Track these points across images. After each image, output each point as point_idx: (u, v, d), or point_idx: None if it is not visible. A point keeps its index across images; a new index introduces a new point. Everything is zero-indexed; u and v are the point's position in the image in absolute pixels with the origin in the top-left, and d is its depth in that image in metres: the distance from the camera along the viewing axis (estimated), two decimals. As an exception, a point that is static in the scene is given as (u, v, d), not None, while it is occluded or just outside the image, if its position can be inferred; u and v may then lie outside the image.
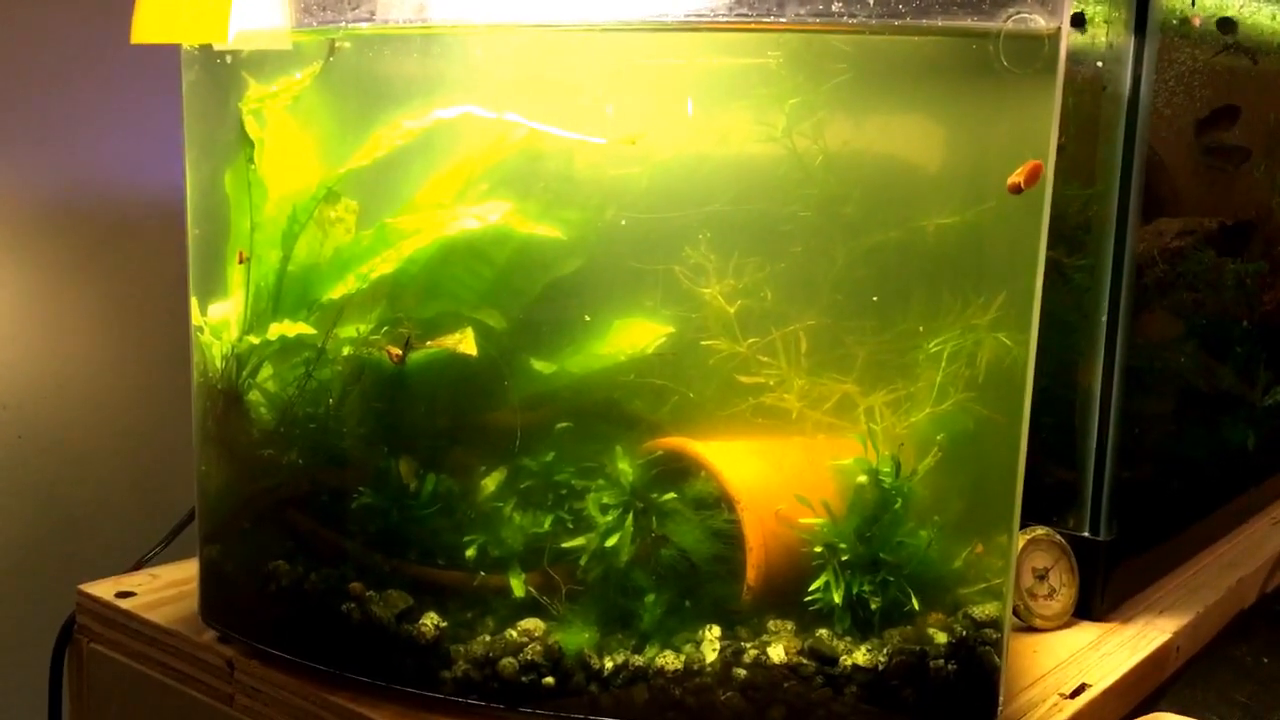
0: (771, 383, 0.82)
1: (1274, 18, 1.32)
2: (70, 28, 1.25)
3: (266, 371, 0.89)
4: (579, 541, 0.83)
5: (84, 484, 1.32)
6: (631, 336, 0.83)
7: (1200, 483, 1.33)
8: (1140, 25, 1.01)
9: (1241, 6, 1.25)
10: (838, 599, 0.82)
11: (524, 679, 0.82)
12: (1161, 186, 1.15)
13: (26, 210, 1.24)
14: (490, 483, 0.85)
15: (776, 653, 0.81)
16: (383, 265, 0.84)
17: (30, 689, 1.20)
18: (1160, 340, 1.23)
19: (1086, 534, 1.07)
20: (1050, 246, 1.05)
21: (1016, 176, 0.78)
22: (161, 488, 1.36)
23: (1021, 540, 1.03)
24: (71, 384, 1.30)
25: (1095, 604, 1.07)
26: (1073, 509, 1.08)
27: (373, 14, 0.81)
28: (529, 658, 0.82)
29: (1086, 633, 1.04)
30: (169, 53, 0.92)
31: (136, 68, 1.29)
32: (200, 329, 0.93)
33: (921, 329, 0.82)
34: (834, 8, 0.76)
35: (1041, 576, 1.04)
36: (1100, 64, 1.03)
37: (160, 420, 1.37)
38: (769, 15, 0.76)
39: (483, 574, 0.84)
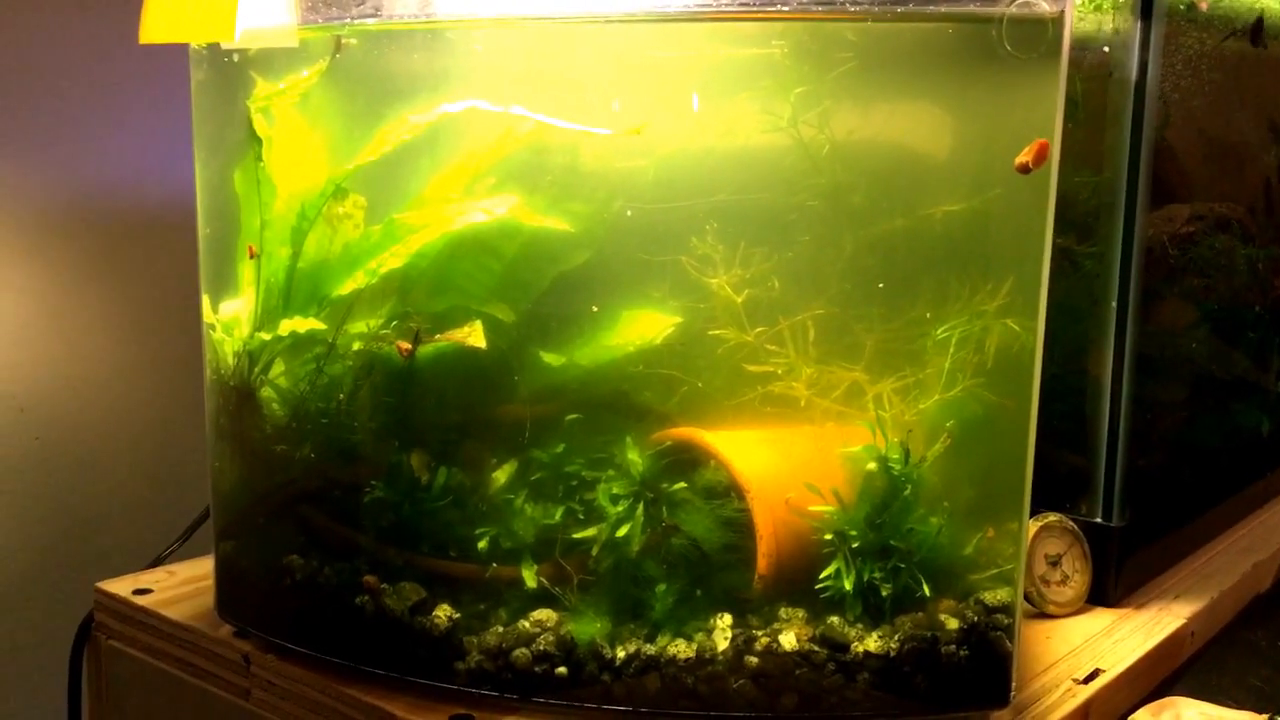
0: (780, 371, 0.83)
1: (1283, 1, 1.31)
2: (80, 30, 1.26)
3: (278, 368, 0.90)
4: (590, 532, 0.83)
5: (101, 483, 1.33)
6: (640, 327, 0.84)
7: (1215, 468, 1.33)
8: (1146, 10, 1.01)
9: (1252, -10, 1.24)
10: (848, 586, 0.82)
11: (537, 669, 0.82)
12: (1171, 173, 1.15)
13: (41, 214, 1.25)
14: (501, 475, 0.85)
15: (788, 640, 0.81)
16: (392, 260, 0.85)
17: (50, 685, 1.22)
18: (1172, 326, 1.23)
19: (1099, 520, 1.07)
20: (1061, 233, 1.05)
21: (1024, 156, 0.78)
22: (178, 485, 1.37)
23: (1034, 527, 1.03)
24: (87, 385, 1.31)
25: (1109, 590, 1.07)
26: (1085, 495, 1.08)
27: (378, 10, 0.82)
28: (542, 648, 0.82)
29: (1100, 619, 1.04)
30: (179, 53, 0.93)
31: (148, 68, 1.30)
32: (212, 326, 0.93)
33: (929, 316, 0.82)
34: (837, -4, 0.77)
35: (1054, 563, 1.04)
36: (1107, 50, 1.03)
37: (176, 418, 1.38)
38: (773, 4, 0.76)
39: (495, 565, 0.85)
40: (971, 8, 0.77)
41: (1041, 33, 0.77)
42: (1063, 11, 0.76)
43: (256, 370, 0.90)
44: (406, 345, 0.84)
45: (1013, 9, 0.76)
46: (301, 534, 0.90)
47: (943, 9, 0.77)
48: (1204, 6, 1.15)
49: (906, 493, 0.82)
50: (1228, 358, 1.36)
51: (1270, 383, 1.43)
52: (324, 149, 0.87)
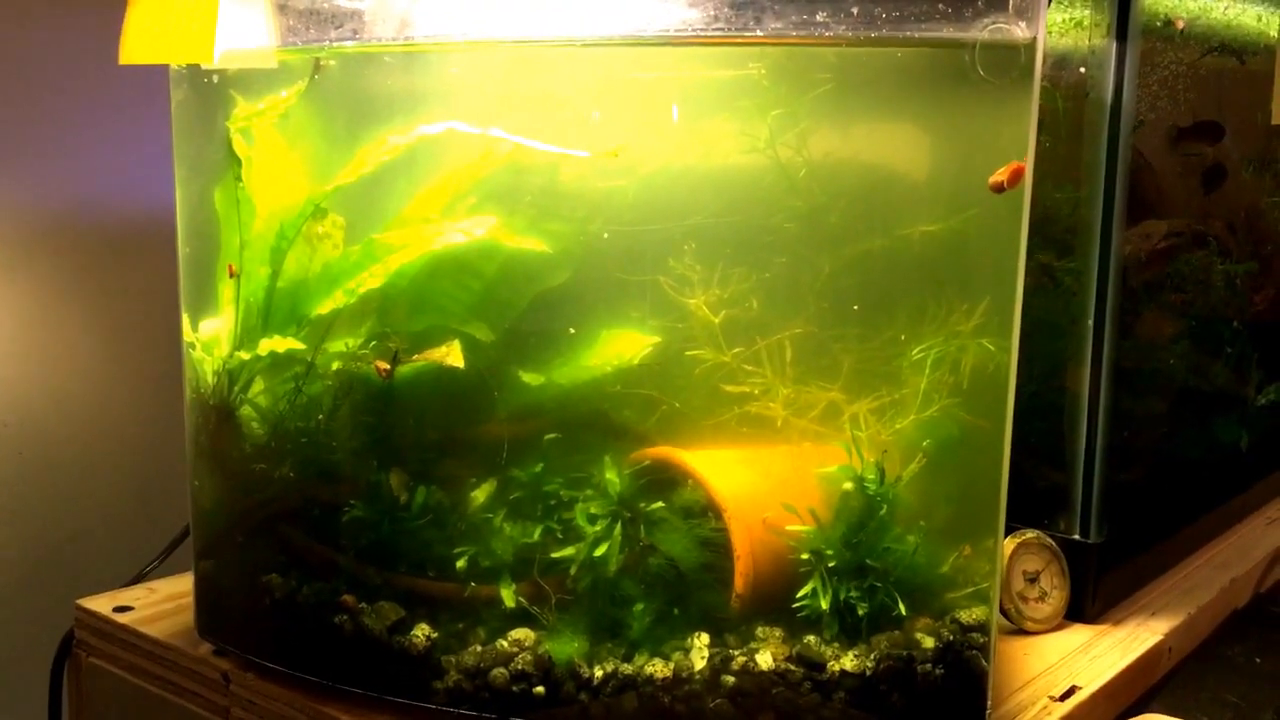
0: (757, 391, 0.83)
1: (1259, 19, 1.32)
2: (63, 46, 1.26)
3: (258, 387, 0.90)
4: (568, 551, 0.83)
5: (84, 499, 1.33)
6: (618, 347, 0.84)
7: (1193, 483, 1.33)
8: (1121, 30, 1.01)
9: (1226, 8, 1.25)
10: (825, 605, 0.82)
11: (515, 689, 0.83)
12: (1148, 189, 1.16)
13: (25, 229, 1.25)
14: (480, 494, 0.85)
15: (765, 659, 0.82)
16: (371, 280, 0.85)
17: (30, 703, 1.21)
18: (1150, 342, 1.24)
19: (1077, 537, 1.08)
20: (1040, 250, 1.06)
21: (999, 175, 0.79)
22: (161, 502, 1.37)
23: (1012, 544, 1.03)
24: (71, 400, 1.31)
25: (1087, 606, 1.07)
26: (1063, 512, 1.09)
27: (356, 32, 0.82)
28: (520, 667, 0.83)
29: (1078, 635, 1.04)
30: (161, 70, 0.93)
31: (130, 85, 1.30)
32: (192, 345, 0.93)
33: (905, 336, 0.83)
34: (814, 18, 0.77)
35: (1032, 579, 1.05)
36: (1083, 69, 1.04)
37: (159, 435, 1.37)
38: (747, 29, 0.77)
39: (473, 585, 0.85)
40: (945, 33, 0.77)
41: (1014, 58, 0.77)
42: (1035, 37, 0.77)
43: (236, 389, 0.91)
44: (385, 365, 0.85)
45: (985, 34, 0.77)
46: (281, 553, 0.91)
47: (917, 34, 0.78)
48: (1180, 26, 1.16)
49: (882, 512, 0.83)
50: (1206, 372, 1.37)
51: (1249, 396, 1.44)
52: (303, 169, 0.88)
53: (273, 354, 0.87)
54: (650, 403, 0.84)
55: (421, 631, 0.85)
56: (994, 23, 0.77)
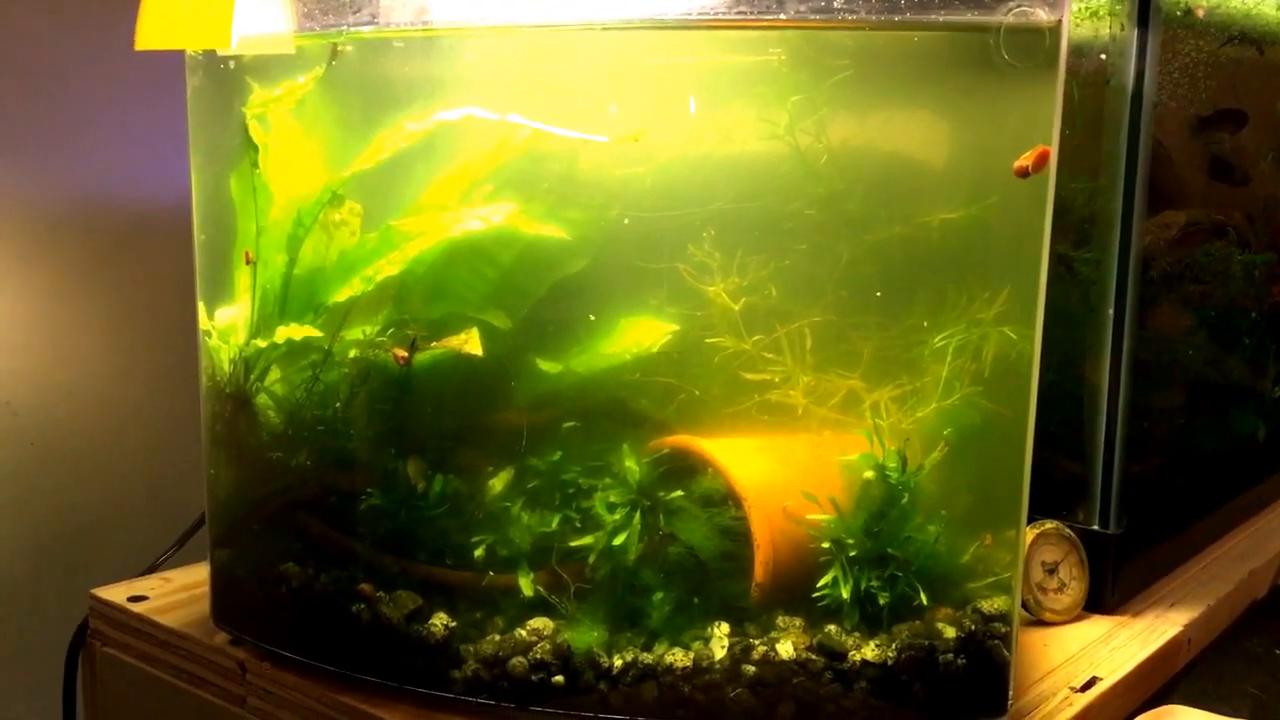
0: (777, 379, 0.82)
1: (1279, 8, 1.31)
2: (76, 34, 1.25)
3: (274, 375, 0.90)
4: (587, 540, 0.83)
5: (96, 489, 1.33)
6: (637, 335, 0.83)
7: (1211, 475, 1.33)
8: (1143, 17, 1.01)
9: (1246, -4, 1.24)
10: (846, 594, 0.82)
11: (534, 678, 0.82)
12: (1167, 179, 1.15)
13: (36, 218, 1.25)
14: (498, 483, 0.85)
15: (785, 649, 0.81)
16: (388, 267, 0.85)
17: (45, 693, 1.21)
18: (1168, 333, 1.23)
19: (1096, 527, 1.07)
20: (1058, 240, 1.05)
21: (1024, 160, 0.78)
22: (174, 491, 1.37)
23: (1031, 534, 1.03)
24: (83, 390, 1.31)
25: (1106, 597, 1.07)
26: (1082, 503, 1.08)
27: (374, 17, 0.82)
28: (538, 656, 0.82)
29: (1097, 626, 1.04)
30: (176, 57, 0.93)
31: (145, 73, 1.30)
32: (208, 333, 0.93)
33: (926, 324, 0.82)
34: (835, 2, 0.76)
35: (1051, 570, 1.04)
36: (1104, 56, 1.03)
37: (172, 424, 1.37)
38: (769, 13, 0.76)
39: (491, 574, 0.84)
40: (969, 17, 0.77)
41: (1039, 42, 0.77)
42: (1060, 21, 0.76)
43: (252, 377, 0.90)
44: (403, 353, 0.84)
45: (1010, 18, 0.76)
46: (297, 541, 0.90)
47: (940, 18, 0.77)
48: (1201, 13, 1.15)
49: (904, 501, 0.82)
50: (1224, 364, 1.36)
51: (1266, 388, 1.43)
52: (320, 156, 0.87)
53: (290, 342, 0.87)
54: (669, 391, 0.83)
55: (439, 620, 0.84)
56: (1018, 6, 0.76)
